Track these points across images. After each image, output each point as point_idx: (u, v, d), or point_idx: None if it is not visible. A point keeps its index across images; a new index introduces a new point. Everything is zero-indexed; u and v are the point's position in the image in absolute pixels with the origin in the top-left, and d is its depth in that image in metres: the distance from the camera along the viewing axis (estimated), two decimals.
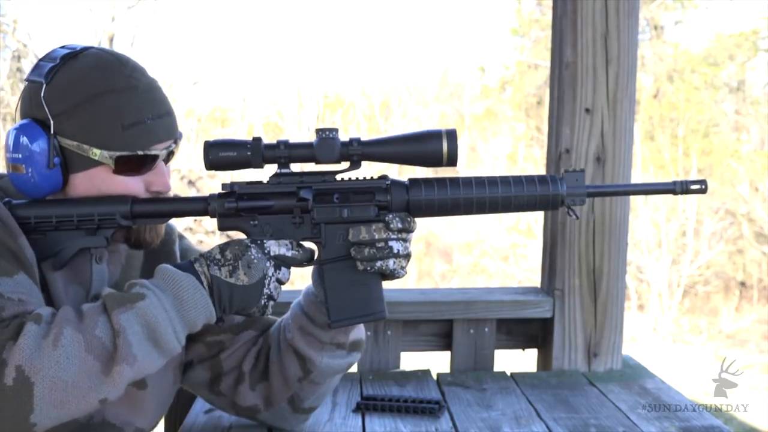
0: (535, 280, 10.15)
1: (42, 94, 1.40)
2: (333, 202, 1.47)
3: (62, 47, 1.47)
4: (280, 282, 1.45)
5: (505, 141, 16.30)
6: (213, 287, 1.38)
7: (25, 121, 1.42)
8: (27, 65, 13.02)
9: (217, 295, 1.38)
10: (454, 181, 1.48)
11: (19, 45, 12.70)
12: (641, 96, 13.46)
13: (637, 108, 8.87)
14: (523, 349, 2.55)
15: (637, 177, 12.89)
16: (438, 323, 2.45)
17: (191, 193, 11.93)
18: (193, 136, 13.30)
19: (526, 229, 13.92)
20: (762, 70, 14.88)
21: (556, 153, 2.43)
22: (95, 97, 1.40)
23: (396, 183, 1.48)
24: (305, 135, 15.06)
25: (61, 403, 1.22)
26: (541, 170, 12.04)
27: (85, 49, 1.46)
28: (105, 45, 12.48)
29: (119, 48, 13.09)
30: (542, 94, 14.52)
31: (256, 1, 22.03)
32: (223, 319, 1.42)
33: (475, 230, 14.83)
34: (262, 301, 1.42)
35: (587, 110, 2.37)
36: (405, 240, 1.47)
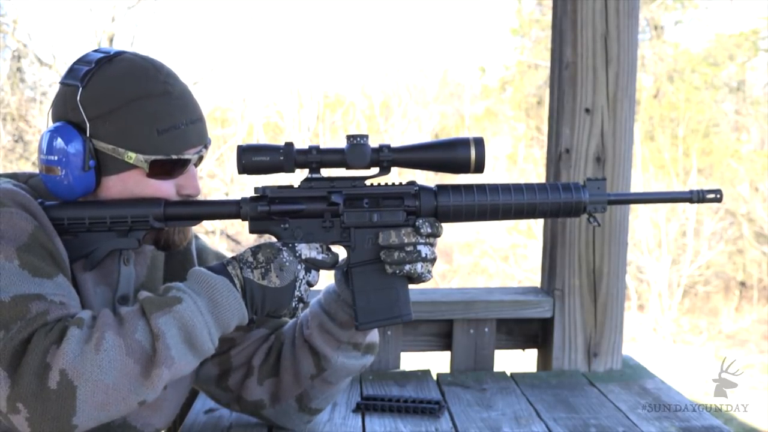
0: (535, 280, 10.16)
1: (78, 98, 1.41)
2: (363, 207, 1.50)
3: (96, 51, 1.49)
4: (310, 284, 1.47)
5: (505, 141, 16.30)
6: (246, 289, 1.40)
7: (59, 123, 1.43)
8: (27, 65, 13.03)
9: (250, 297, 1.40)
10: (481, 188, 1.51)
11: (19, 45, 12.70)
12: (641, 96, 13.46)
13: (637, 108, 8.87)
14: (523, 349, 2.56)
15: (637, 177, 12.90)
16: (438, 323, 2.45)
17: None
18: None
19: (526, 229, 13.91)
20: (762, 70, 14.88)
21: (556, 153, 2.43)
22: (131, 101, 1.42)
23: (424, 189, 1.51)
24: (305, 135, 15.06)
25: (102, 406, 1.25)
26: (541, 171, 12.04)
27: (119, 53, 1.48)
28: (105, 45, 12.48)
29: (119, 48, 13.08)
30: (542, 94, 14.51)
31: (256, 1, 22.04)
32: (255, 321, 1.44)
33: (475, 230, 14.82)
34: (293, 303, 1.44)
35: (587, 110, 2.37)
36: (432, 244, 1.50)
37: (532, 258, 13.70)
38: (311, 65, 20.94)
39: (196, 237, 1.74)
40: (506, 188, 1.51)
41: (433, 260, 1.50)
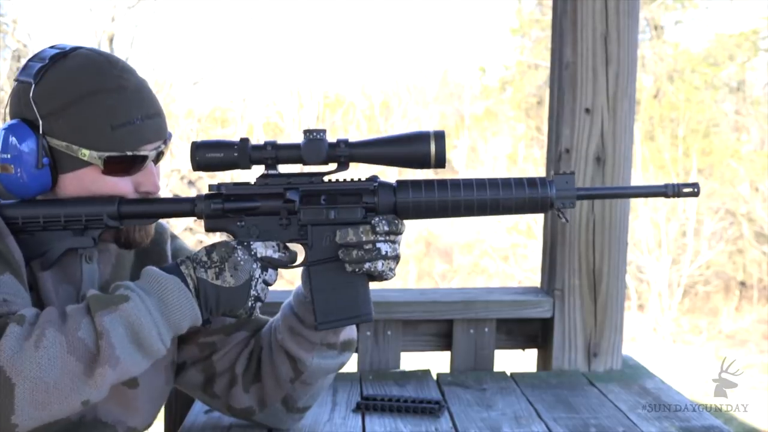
0: (535, 280, 10.15)
1: (31, 95, 1.40)
2: (320, 204, 1.47)
3: (52, 47, 1.47)
4: (267, 283, 1.44)
5: (505, 141, 16.29)
6: (199, 289, 1.37)
7: (14, 121, 1.42)
8: None
9: (204, 297, 1.38)
10: (442, 183, 1.47)
11: (19, 45, 12.70)
12: (641, 96, 13.46)
13: (637, 108, 8.86)
14: (523, 349, 2.55)
15: (637, 177, 12.90)
16: (438, 323, 2.45)
17: (191, 193, 11.91)
18: (193, 136, 13.27)
19: (526, 229, 13.92)
20: (762, 70, 14.88)
21: (556, 153, 2.43)
22: (84, 97, 1.40)
23: (383, 185, 1.48)
24: None
25: (42, 405, 1.23)
26: (541, 171, 12.04)
27: (75, 49, 1.46)
28: (105, 45, 12.47)
29: (119, 48, 13.09)
30: (542, 94, 14.51)
31: (256, 1, 22.04)
32: (210, 321, 1.42)
33: (475, 230, 14.82)
34: (249, 303, 1.41)
35: (587, 110, 2.37)
36: (393, 242, 1.46)
37: (532, 258, 13.69)
38: (311, 65, 20.95)
39: (174, 237, 1.71)
40: (468, 184, 1.47)
41: (394, 258, 1.46)
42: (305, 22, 24.14)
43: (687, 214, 13.41)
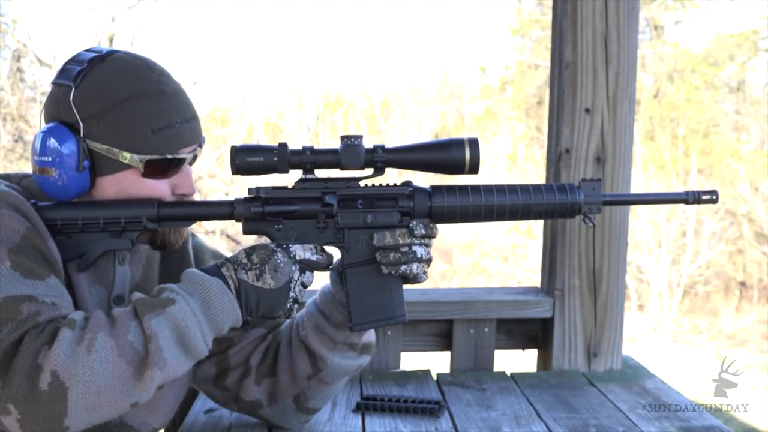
0: (535, 280, 10.16)
1: (71, 98, 1.40)
2: (357, 208, 1.49)
3: (88, 50, 1.48)
4: (305, 285, 1.47)
5: (505, 141, 16.30)
6: (240, 291, 1.39)
7: (52, 124, 1.43)
8: (27, 65, 13.02)
9: (245, 298, 1.40)
10: (475, 189, 1.51)
11: (19, 45, 12.70)
12: (641, 96, 13.46)
13: (637, 108, 8.87)
14: (523, 349, 2.56)
15: (637, 177, 12.90)
16: (438, 323, 2.45)
17: None
18: None
19: (526, 229, 13.91)
20: (762, 70, 14.88)
21: (556, 153, 2.43)
22: (125, 101, 1.41)
23: (419, 189, 1.51)
24: (305, 135, 15.06)
25: (94, 407, 1.25)
26: (541, 171, 12.05)
27: (112, 52, 1.47)
28: (105, 45, 12.47)
29: (119, 48, 13.09)
30: (542, 94, 14.51)
31: (256, 1, 22.04)
32: (250, 322, 1.44)
33: (475, 230, 14.82)
34: (288, 305, 1.44)
35: (587, 110, 2.37)
36: (427, 245, 1.50)
37: (532, 258, 13.70)
38: (311, 65, 20.95)
39: (193, 235, 1.73)
40: (501, 189, 1.51)
41: (428, 261, 1.50)
42: (305, 22, 24.15)
43: (687, 214, 13.40)
